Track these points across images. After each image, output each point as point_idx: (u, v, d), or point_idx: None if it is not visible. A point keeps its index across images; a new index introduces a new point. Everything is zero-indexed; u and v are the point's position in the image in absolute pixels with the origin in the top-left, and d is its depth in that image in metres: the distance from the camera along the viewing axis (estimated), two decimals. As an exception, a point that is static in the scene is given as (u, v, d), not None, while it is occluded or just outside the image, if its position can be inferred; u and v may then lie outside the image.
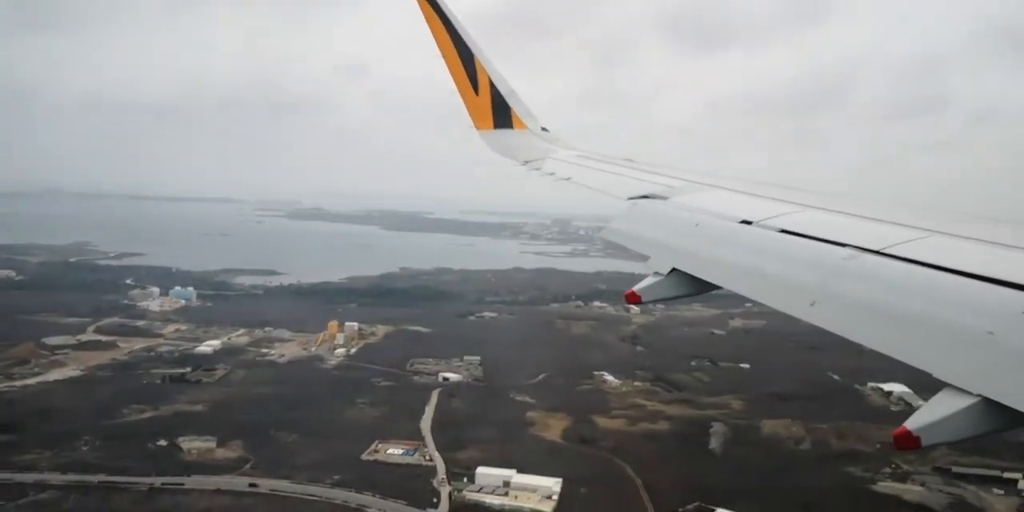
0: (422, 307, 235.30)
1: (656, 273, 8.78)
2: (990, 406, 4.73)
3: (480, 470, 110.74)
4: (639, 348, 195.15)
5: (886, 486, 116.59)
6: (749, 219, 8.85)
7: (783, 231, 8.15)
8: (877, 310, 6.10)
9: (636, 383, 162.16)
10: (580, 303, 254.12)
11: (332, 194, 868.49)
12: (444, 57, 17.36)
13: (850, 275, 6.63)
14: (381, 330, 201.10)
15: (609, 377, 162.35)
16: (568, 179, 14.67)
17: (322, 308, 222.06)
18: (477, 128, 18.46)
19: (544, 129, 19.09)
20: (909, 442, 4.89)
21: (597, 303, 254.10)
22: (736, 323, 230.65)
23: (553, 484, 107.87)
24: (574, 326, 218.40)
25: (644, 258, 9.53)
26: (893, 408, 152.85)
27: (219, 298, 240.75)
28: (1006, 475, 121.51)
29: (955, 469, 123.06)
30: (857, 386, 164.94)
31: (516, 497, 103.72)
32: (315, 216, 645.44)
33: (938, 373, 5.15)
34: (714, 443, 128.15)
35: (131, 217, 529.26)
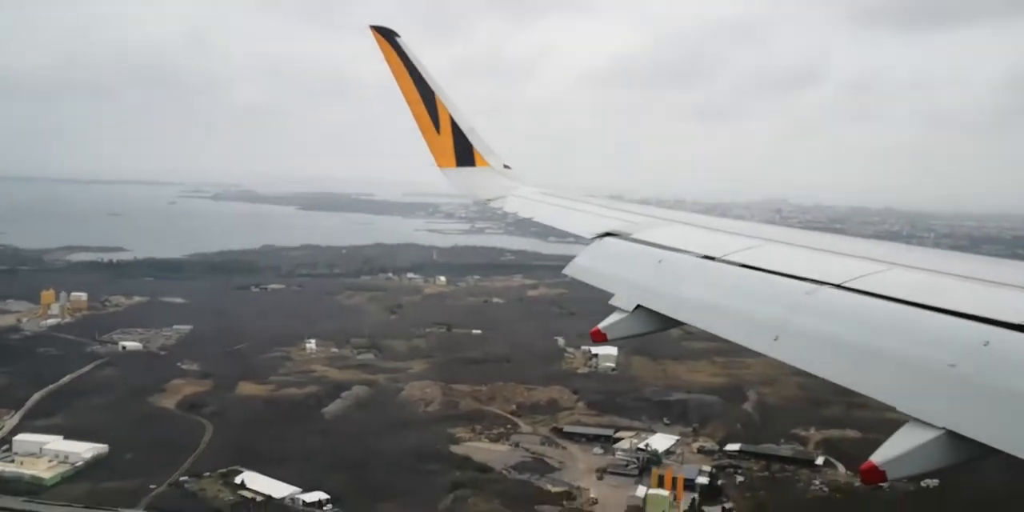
0: (214, 281, 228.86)
1: (620, 310, 8.59)
2: (953, 438, 4.71)
3: (19, 437, 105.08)
4: (392, 317, 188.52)
5: (469, 446, 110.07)
6: (712, 254, 8.66)
7: (745, 266, 8.03)
8: (839, 344, 6.10)
9: (335, 350, 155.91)
10: (391, 275, 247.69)
11: (281, 178, 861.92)
12: (404, 95, 17.43)
13: (811, 309, 6.62)
14: (132, 302, 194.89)
15: (311, 345, 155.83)
16: (530, 218, 14.94)
17: (100, 281, 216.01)
18: (439, 166, 18.29)
19: (506, 166, 18.96)
20: (875, 476, 4.78)
21: (410, 275, 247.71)
22: (533, 292, 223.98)
23: (87, 451, 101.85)
24: (354, 297, 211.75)
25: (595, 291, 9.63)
26: (581, 370, 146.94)
27: (7, 272, 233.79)
28: (618, 434, 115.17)
29: (567, 429, 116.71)
30: (570, 349, 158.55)
31: (22, 462, 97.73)
32: (241, 198, 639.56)
33: (901, 406, 5.09)
34: (332, 407, 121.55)
35: (38, 199, 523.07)
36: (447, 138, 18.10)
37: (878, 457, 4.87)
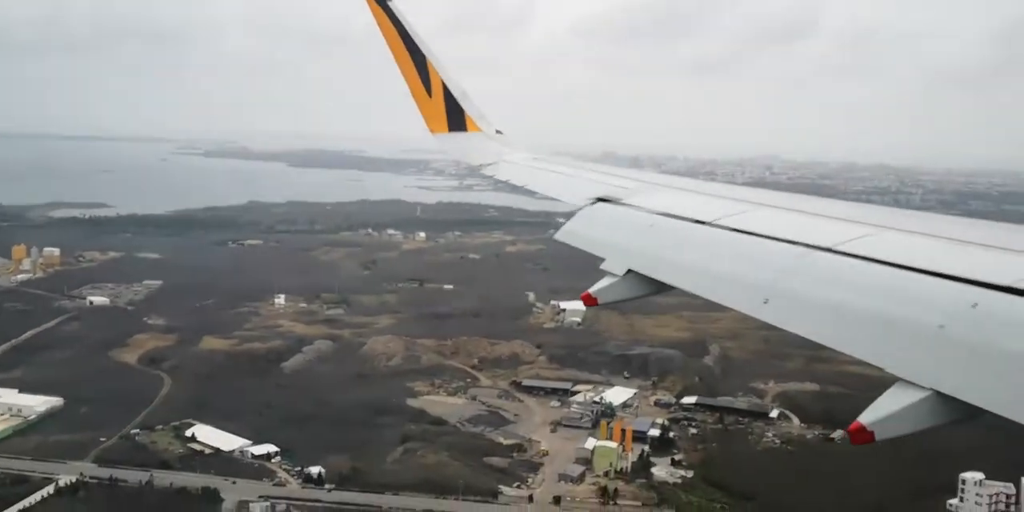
0: (194, 237, 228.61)
1: (611, 274, 8.56)
2: (941, 399, 4.74)
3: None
4: (366, 272, 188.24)
5: (426, 400, 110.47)
6: (703, 219, 8.67)
7: (736, 230, 8.04)
8: (829, 307, 6.15)
9: (304, 305, 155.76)
10: (371, 231, 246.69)
11: (274, 134, 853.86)
12: (396, 60, 17.29)
13: (802, 273, 6.66)
14: (107, 257, 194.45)
15: (280, 300, 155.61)
16: (523, 186, 14.93)
17: (78, 237, 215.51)
18: (431, 131, 18.19)
19: (498, 131, 18.84)
20: (863, 436, 4.84)
21: (390, 231, 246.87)
22: (511, 248, 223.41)
23: (40, 404, 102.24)
24: (330, 252, 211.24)
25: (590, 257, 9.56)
26: (547, 325, 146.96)
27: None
28: (575, 388, 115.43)
29: (526, 383, 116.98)
30: (539, 304, 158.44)
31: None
32: (233, 154, 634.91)
33: (890, 368, 5.12)
34: (292, 361, 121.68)
35: (28, 156, 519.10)
36: (439, 103, 18.00)
37: (866, 417, 4.89)
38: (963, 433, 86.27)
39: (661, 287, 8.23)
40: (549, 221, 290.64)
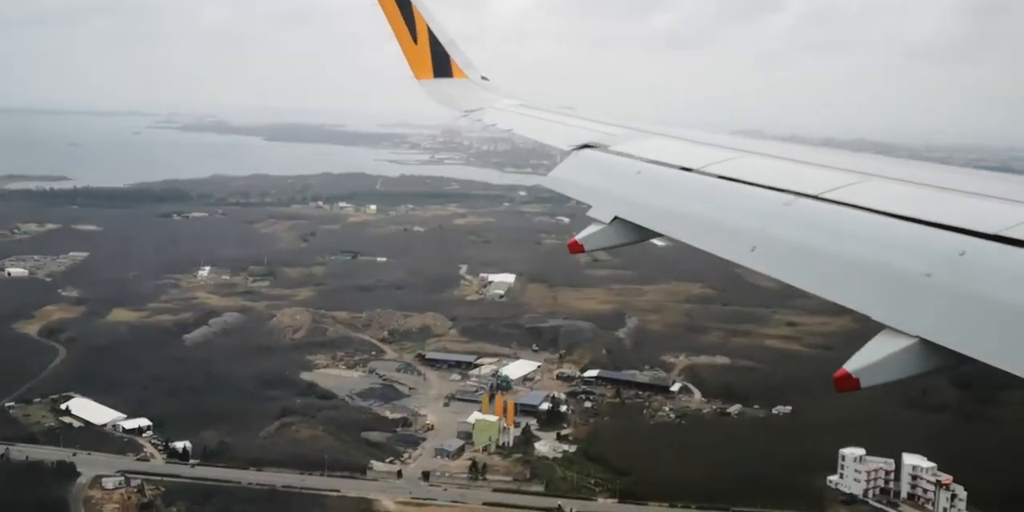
0: (141, 209, 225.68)
1: (598, 221, 8.59)
2: (927, 347, 4.76)
3: None
4: (303, 245, 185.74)
5: (321, 373, 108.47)
6: (689, 166, 8.65)
7: (722, 177, 8.05)
8: (815, 254, 6.16)
9: (227, 277, 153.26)
10: (321, 204, 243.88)
11: (254, 109, 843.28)
12: (382, 6, 17.17)
13: (789, 220, 6.68)
14: (43, 229, 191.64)
15: (203, 272, 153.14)
16: (509, 130, 15.12)
17: (25, 209, 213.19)
18: (417, 77, 18.00)
19: (484, 78, 18.57)
20: (848, 383, 4.79)
21: (341, 204, 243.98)
22: (461, 221, 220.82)
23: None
24: (274, 225, 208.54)
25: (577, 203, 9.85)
26: (470, 297, 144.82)
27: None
28: (479, 361, 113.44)
29: (429, 355, 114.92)
30: (468, 277, 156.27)
31: None
32: (211, 128, 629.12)
33: (876, 315, 5.12)
34: (195, 334, 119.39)
35: (2, 129, 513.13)
36: (424, 49, 17.70)
37: (852, 365, 4.84)
38: (858, 406, 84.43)
39: (647, 234, 8.24)
40: (507, 195, 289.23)
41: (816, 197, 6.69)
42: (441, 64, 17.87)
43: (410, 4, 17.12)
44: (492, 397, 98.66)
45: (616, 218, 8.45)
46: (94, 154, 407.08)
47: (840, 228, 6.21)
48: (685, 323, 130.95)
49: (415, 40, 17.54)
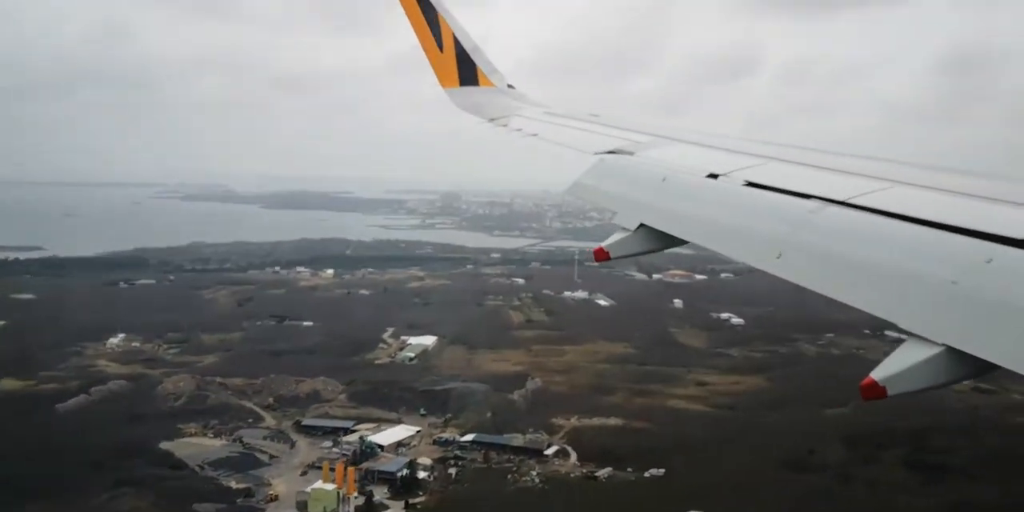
0: (93, 277, 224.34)
1: (623, 229, 8.50)
2: (953, 355, 4.71)
3: None
4: (238, 309, 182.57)
5: (183, 442, 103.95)
6: (715, 172, 8.56)
7: (749, 184, 7.99)
8: (842, 261, 6.11)
9: (137, 344, 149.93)
10: (278, 269, 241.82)
11: (264, 177, 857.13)
12: (407, 14, 17.18)
13: (815, 227, 6.61)
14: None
15: (114, 340, 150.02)
16: (535, 135, 14.48)
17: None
18: (443, 86, 17.89)
19: (510, 86, 18.56)
20: (875, 392, 4.75)
21: (299, 269, 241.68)
22: (415, 284, 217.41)
23: None
24: (219, 291, 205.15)
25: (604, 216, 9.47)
26: (380, 361, 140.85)
27: None
28: (356, 427, 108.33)
29: (306, 422, 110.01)
30: (390, 341, 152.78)
31: None
32: (215, 197, 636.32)
33: (903, 323, 5.06)
34: (71, 402, 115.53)
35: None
36: (450, 57, 17.74)
37: (878, 373, 4.81)
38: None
39: (672, 241, 8.13)
40: (475, 258, 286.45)
41: (843, 203, 6.57)
42: (467, 72, 17.87)
43: (436, 13, 17.15)
44: (347, 465, 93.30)
45: (642, 225, 8.33)
46: (84, 224, 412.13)
47: (866, 235, 6.10)
48: (592, 384, 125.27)
49: (441, 48, 17.54)
